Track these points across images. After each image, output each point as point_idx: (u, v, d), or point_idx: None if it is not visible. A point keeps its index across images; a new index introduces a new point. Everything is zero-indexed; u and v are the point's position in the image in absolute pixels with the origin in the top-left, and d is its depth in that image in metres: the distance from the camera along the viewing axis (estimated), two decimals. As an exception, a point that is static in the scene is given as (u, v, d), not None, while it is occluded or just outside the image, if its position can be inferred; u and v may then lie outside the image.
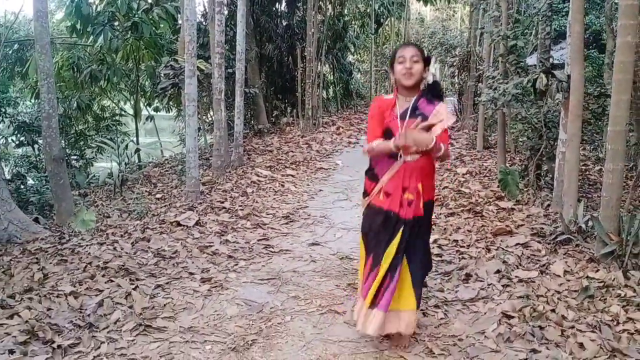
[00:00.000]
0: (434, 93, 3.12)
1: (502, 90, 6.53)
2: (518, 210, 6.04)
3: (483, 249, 4.98)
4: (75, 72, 12.85)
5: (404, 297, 3.17)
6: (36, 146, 10.89)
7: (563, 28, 9.24)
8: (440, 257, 4.85)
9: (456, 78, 15.71)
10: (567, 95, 5.34)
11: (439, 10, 30.19)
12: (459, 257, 4.84)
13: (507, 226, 5.48)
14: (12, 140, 11.18)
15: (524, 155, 7.34)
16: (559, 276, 4.16)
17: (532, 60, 9.37)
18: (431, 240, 4.56)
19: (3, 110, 10.52)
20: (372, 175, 3.25)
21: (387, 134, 3.07)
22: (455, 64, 14.48)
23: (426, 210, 3.17)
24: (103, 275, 4.40)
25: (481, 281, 4.24)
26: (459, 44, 16.04)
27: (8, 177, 9.31)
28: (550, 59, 6.79)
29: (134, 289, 4.16)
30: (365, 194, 3.31)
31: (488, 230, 5.47)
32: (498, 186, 6.76)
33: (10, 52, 13.58)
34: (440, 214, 6.27)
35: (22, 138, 10.91)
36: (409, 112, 3.06)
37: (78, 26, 11.57)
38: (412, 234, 3.14)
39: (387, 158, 3.13)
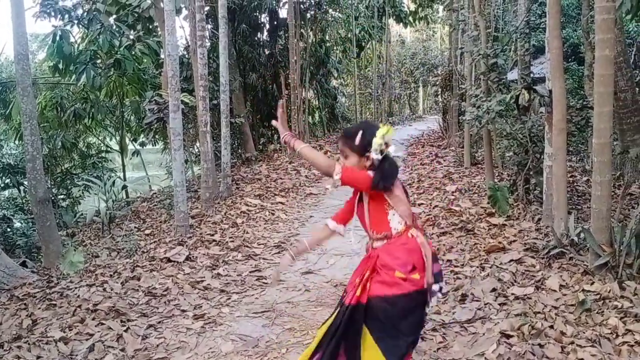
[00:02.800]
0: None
1: (485, 108, 6.57)
2: (509, 226, 6.04)
3: (477, 267, 4.95)
4: (59, 112, 12.80)
5: None
6: (22, 188, 10.79)
7: (541, 43, 9.37)
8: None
9: (439, 97, 15.93)
10: (550, 109, 5.39)
11: (418, 32, 30.67)
12: (454, 277, 4.81)
13: (499, 243, 5.46)
14: (-4, 183, 11.07)
15: (512, 171, 7.37)
16: (555, 291, 4.14)
17: (513, 75, 9.48)
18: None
19: (-13, 153, 10.46)
20: None
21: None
22: (437, 83, 14.69)
23: (375, 305, 2.53)
24: (93, 318, 4.31)
25: (477, 301, 4.20)
26: (440, 63, 16.31)
27: (-6, 220, 9.18)
28: (531, 74, 6.87)
29: (125, 330, 4.07)
30: None
31: (481, 248, 5.45)
32: (488, 202, 6.76)
33: (-8, 94, 13.54)
34: (433, 233, 6.24)
35: (7, 180, 10.81)
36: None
37: (60, 65, 11.60)
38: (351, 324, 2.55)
39: None
